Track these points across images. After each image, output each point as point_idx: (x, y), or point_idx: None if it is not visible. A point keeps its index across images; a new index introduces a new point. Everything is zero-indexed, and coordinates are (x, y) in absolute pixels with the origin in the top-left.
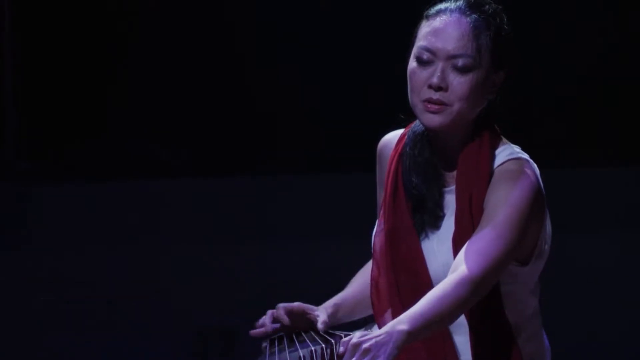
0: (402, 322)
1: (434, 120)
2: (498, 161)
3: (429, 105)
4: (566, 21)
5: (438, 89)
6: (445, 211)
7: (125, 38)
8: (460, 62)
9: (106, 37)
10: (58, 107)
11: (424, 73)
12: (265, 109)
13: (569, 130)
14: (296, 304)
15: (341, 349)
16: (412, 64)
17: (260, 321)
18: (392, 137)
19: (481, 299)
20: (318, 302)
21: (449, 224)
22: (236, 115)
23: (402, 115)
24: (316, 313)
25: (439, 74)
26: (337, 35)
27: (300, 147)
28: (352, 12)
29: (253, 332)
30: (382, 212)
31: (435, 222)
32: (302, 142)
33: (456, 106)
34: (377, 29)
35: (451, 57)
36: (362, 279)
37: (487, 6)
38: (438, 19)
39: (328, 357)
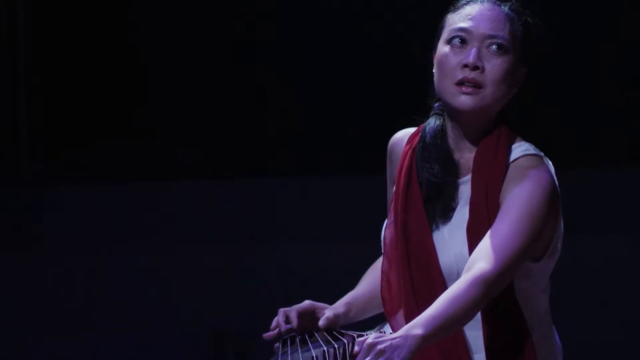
0: (417, 327)
1: (467, 102)
2: (513, 156)
3: (464, 88)
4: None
5: (474, 68)
6: (458, 202)
7: (137, 40)
8: (496, 42)
9: (119, 39)
10: (71, 109)
11: (457, 56)
12: (267, 110)
13: (572, 131)
14: (306, 302)
15: (356, 347)
16: (444, 49)
17: (274, 323)
18: (404, 134)
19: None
20: (328, 303)
21: (460, 215)
22: (240, 117)
23: (416, 117)
24: (324, 311)
25: (475, 53)
26: (338, 35)
27: (300, 148)
28: (352, 12)
29: (266, 335)
30: (392, 205)
31: (446, 212)
32: (302, 144)
33: (489, 89)
34: (377, 29)
35: (487, 37)
36: (372, 276)
37: (516, 1)
38: (468, 7)
39: (340, 357)
